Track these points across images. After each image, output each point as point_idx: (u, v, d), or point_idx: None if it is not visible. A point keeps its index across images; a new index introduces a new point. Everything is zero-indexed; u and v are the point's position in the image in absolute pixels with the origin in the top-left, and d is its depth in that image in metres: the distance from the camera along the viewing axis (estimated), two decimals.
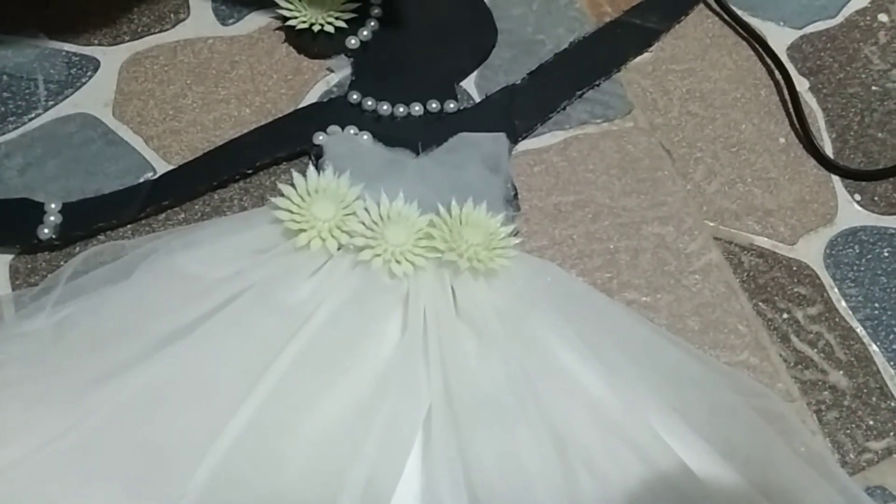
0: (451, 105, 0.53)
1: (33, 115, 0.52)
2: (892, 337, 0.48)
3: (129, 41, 0.55)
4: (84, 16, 0.56)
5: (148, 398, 0.38)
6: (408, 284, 0.44)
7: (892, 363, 0.48)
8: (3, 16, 0.55)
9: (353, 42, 0.54)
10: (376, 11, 0.56)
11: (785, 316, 0.49)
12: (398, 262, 0.44)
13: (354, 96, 0.53)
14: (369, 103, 0.52)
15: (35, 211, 0.47)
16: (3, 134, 0.51)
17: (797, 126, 0.56)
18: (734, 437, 0.42)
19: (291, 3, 0.55)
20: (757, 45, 0.59)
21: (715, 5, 0.60)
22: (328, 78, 0.55)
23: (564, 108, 0.55)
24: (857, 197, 0.53)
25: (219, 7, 0.57)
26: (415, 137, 0.51)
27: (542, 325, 0.43)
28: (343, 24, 0.55)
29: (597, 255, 0.50)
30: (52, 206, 0.47)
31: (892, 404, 0.46)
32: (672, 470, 0.40)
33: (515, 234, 0.47)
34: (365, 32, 0.55)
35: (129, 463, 0.37)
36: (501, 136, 0.51)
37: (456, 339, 0.42)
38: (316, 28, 0.54)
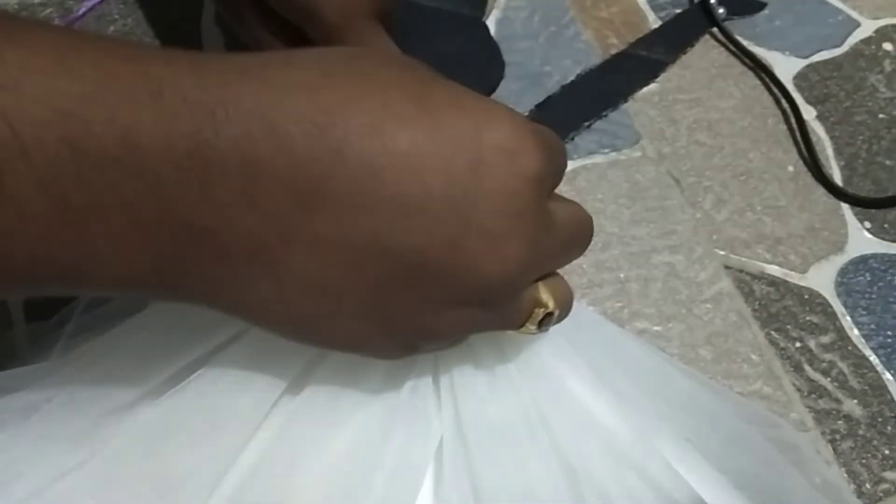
0: None
1: None
2: None
3: None
4: None
5: (160, 431, 0.38)
6: None
7: None
8: None
9: None
10: None
11: (798, 345, 0.48)
12: None
13: None
14: None
15: None
16: None
17: (805, 154, 0.56)
18: (748, 468, 0.41)
19: None
20: (763, 75, 0.59)
21: (721, 36, 0.61)
22: None
23: (572, 139, 0.55)
24: (867, 224, 0.53)
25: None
26: None
27: (552, 356, 0.43)
28: None
29: (607, 284, 0.50)
30: None
31: None
32: (685, 502, 0.39)
33: None
34: None
35: (140, 498, 0.37)
36: None
37: (466, 369, 0.42)
38: None
